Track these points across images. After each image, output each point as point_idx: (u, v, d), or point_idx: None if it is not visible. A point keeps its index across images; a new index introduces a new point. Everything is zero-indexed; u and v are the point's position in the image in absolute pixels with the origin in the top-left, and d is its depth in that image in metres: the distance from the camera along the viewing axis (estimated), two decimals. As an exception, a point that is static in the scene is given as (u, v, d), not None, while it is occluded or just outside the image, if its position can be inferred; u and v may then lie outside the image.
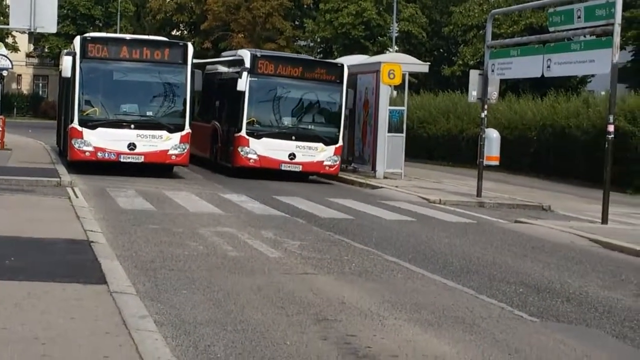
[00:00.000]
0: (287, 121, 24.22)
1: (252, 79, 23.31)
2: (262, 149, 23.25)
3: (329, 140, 24.00)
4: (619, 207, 19.82)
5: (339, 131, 24.33)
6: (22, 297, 7.83)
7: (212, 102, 27.38)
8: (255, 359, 6.79)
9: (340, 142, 24.40)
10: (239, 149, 23.28)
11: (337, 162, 24.35)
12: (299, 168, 23.76)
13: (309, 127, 24.48)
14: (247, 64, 23.43)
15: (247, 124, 23.33)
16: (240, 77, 22.86)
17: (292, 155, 23.41)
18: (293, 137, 23.65)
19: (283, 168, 23.52)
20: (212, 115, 26.83)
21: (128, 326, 7.01)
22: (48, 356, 6.12)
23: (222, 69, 27.32)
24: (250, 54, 24.33)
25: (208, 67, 29.38)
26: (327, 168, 24.12)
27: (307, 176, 24.79)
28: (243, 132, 23.23)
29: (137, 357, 6.22)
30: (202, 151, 26.52)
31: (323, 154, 23.82)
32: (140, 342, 6.57)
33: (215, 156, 25.71)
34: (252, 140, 23.25)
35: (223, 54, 32.54)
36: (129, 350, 6.38)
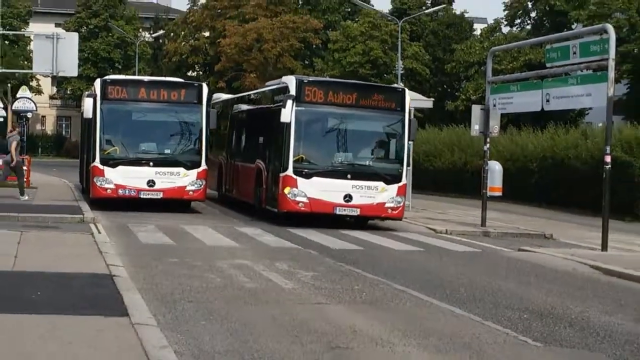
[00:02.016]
0: (341, 157, 20.00)
1: (299, 108, 19.15)
2: (312, 190, 18.97)
3: (391, 179, 19.67)
4: (618, 234, 19.76)
5: (402, 167, 19.98)
6: (46, 329, 7.85)
7: (255, 139, 23.36)
8: (271, 387, 6.82)
9: (404, 180, 20.17)
10: (286, 191, 19.01)
11: (401, 204, 19.98)
12: (357, 212, 19.45)
13: (367, 163, 20.14)
14: (293, 91, 19.26)
15: (294, 161, 19.11)
16: (285, 107, 18.84)
17: (348, 197, 19.07)
18: (349, 176, 19.33)
19: (338, 212, 19.30)
20: (255, 154, 22.75)
21: (149, 357, 7.01)
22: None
23: (266, 100, 23.45)
24: (296, 79, 20.18)
25: (250, 99, 26.75)
26: (389, 211, 19.72)
27: (366, 221, 20.75)
28: (289, 171, 19.03)
29: (158, 387, 6.25)
30: (245, 196, 23.37)
31: (384, 195, 19.44)
32: (162, 372, 6.61)
33: (260, 201, 21.35)
34: (300, 180, 19.00)
35: (267, 83, 26.51)
36: (150, 380, 6.42)
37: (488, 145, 21.84)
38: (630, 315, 10.76)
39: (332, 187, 19.06)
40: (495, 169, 22.17)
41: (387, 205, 19.49)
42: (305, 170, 19.21)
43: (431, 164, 38.78)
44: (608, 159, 17.19)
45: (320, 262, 14.43)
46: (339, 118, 19.86)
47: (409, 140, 20.25)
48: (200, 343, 8.11)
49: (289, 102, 18.83)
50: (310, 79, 22.13)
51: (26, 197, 22.99)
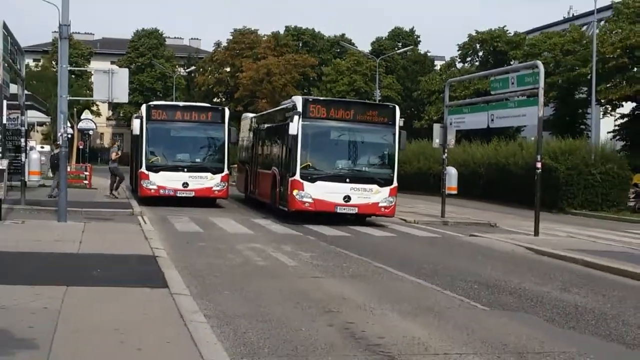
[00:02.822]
0: (341, 164, 18.85)
1: (305, 122, 18.26)
2: (316, 192, 18.11)
3: (384, 182, 18.64)
4: (547, 223, 19.86)
5: (393, 172, 18.93)
6: (104, 299, 7.92)
7: (272, 149, 22.62)
8: (279, 342, 6.82)
9: (395, 183, 18.92)
10: (294, 193, 18.18)
11: (393, 203, 18.85)
12: (355, 210, 18.54)
13: (363, 169, 18.93)
14: (299, 108, 18.43)
15: (301, 168, 18.20)
16: (292, 122, 18.12)
17: (347, 198, 18.14)
18: (347, 180, 18.31)
19: (338, 211, 18.33)
20: (272, 162, 21.88)
21: (184, 319, 7.06)
22: (124, 342, 6.18)
23: (279, 117, 22.11)
24: (302, 98, 19.24)
25: (268, 116, 25.50)
26: (382, 209, 18.70)
27: (363, 218, 19.64)
28: (297, 176, 18.15)
29: (191, 342, 6.26)
30: (264, 197, 22.19)
31: (378, 196, 18.46)
32: (194, 330, 6.63)
33: (275, 201, 20.38)
34: (306, 183, 18.12)
35: (281, 103, 25.39)
36: (185, 336, 6.44)
37: (446, 154, 21.84)
38: (557, 285, 10.79)
39: (333, 189, 18.16)
40: (451, 172, 22.25)
41: (380, 204, 18.51)
42: (311, 176, 18.26)
43: (403, 169, 38.22)
44: (539, 165, 17.23)
45: (317, 246, 14.43)
46: (339, 131, 18.85)
47: (399, 149, 19.13)
48: (223, 308, 8.16)
49: (296, 118, 18.15)
50: (314, 98, 20.93)
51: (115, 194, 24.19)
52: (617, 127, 41.14)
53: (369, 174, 18.77)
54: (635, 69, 36.99)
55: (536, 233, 17.21)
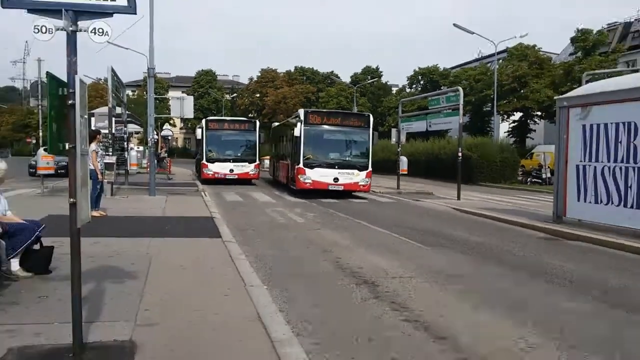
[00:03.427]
0: (332, 156, 17.83)
1: (305, 127, 17.45)
2: (315, 175, 17.39)
3: (361, 168, 17.74)
4: (465, 192, 19.74)
5: (368, 161, 17.95)
6: (181, 245, 7.91)
7: (286, 146, 21.31)
8: (293, 271, 6.85)
9: (370, 169, 17.99)
10: (299, 177, 17.43)
11: (368, 183, 17.93)
12: (342, 187, 17.54)
13: (347, 159, 17.84)
14: (302, 117, 17.57)
15: (304, 159, 17.46)
16: (296, 127, 17.45)
17: (336, 179, 17.41)
18: (336, 167, 17.52)
19: (330, 188, 17.44)
20: (286, 155, 20.91)
21: (232, 257, 7.09)
22: (195, 273, 6.20)
23: (290, 124, 20.56)
24: (304, 111, 18.30)
25: (284, 124, 24.19)
26: (361, 187, 17.77)
27: (349, 193, 18.42)
28: (301, 165, 17.43)
29: (236, 272, 6.28)
30: (283, 179, 21.17)
31: (358, 177, 17.65)
32: (239, 265, 6.66)
33: (287, 181, 19.67)
34: (307, 170, 17.40)
35: (292, 116, 23.95)
36: (233, 269, 6.46)
37: (400, 148, 21.79)
38: (474, 233, 10.79)
39: (326, 173, 17.40)
40: (403, 160, 22.15)
41: (360, 183, 17.67)
42: (310, 164, 17.45)
43: (373, 159, 38.49)
44: (460, 154, 17.22)
45: (317, 210, 14.40)
46: (330, 133, 17.91)
47: (372, 144, 18.27)
48: (257, 250, 8.18)
49: (299, 124, 17.46)
50: (312, 110, 20.05)
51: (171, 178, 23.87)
52: (510, 129, 41.46)
53: (351, 162, 17.84)
54: (522, 91, 37.08)
55: (459, 198, 17.21)
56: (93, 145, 10.50)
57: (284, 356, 3.85)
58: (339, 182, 17.54)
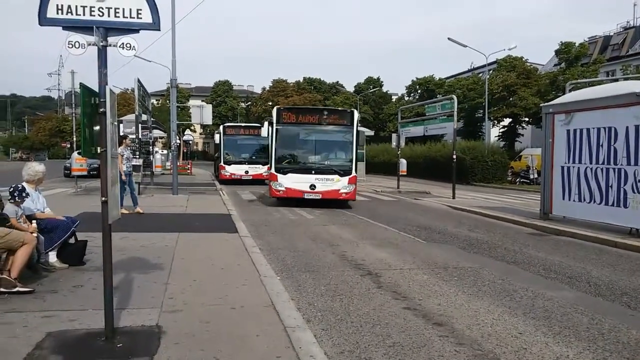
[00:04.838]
0: (308, 159, 13.91)
1: (278, 127, 13.59)
2: (287, 182, 13.42)
3: (343, 172, 13.51)
4: (460, 191, 19.64)
5: (351, 164, 13.64)
6: (201, 239, 7.89)
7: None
8: (303, 263, 6.82)
9: (354, 173, 13.66)
10: (272, 184, 13.62)
11: (352, 189, 13.62)
12: (319, 196, 13.45)
13: (326, 162, 13.86)
14: (273, 117, 13.66)
15: (276, 163, 13.54)
16: (270, 126, 13.75)
17: (312, 186, 13.38)
18: (313, 172, 13.49)
19: (306, 197, 13.43)
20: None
21: (248, 251, 7.08)
22: (214, 264, 6.21)
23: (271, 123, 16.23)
24: (277, 107, 14.21)
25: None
26: (343, 195, 13.52)
27: (328, 202, 13.79)
28: (273, 170, 13.55)
29: (251, 263, 6.28)
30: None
31: (339, 184, 13.47)
32: (254, 258, 6.65)
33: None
34: (279, 176, 13.45)
35: None
36: (248, 261, 6.45)
37: (400, 151, 21.61)
38: (467, 228, 10.74)
39: (301, 180, 13.43)
40: (403, 162, 21.99)
41: (341, 191, 13.50)
42: (283, 169, 13.56)
43: (374, 161, 38.32)
44: (454, 157, 17.09)
45: (324, 208, 14.41)
46: (306, 132, 13.91)
47: (358, 146, 14.16)
48: (269, 244, 8.16)
49: (266, 123, 14.25)
50: (286, 107, 15.87)
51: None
52: (500, 134, 41.34)
53: (330, 167, 13.70)
54: (511, 99, 36.94)
55: (454, 197, 17.06)
56: (120, 149, 10.55)
57: (296, 340, 3.84)
58: (315, 190, 13.47)
